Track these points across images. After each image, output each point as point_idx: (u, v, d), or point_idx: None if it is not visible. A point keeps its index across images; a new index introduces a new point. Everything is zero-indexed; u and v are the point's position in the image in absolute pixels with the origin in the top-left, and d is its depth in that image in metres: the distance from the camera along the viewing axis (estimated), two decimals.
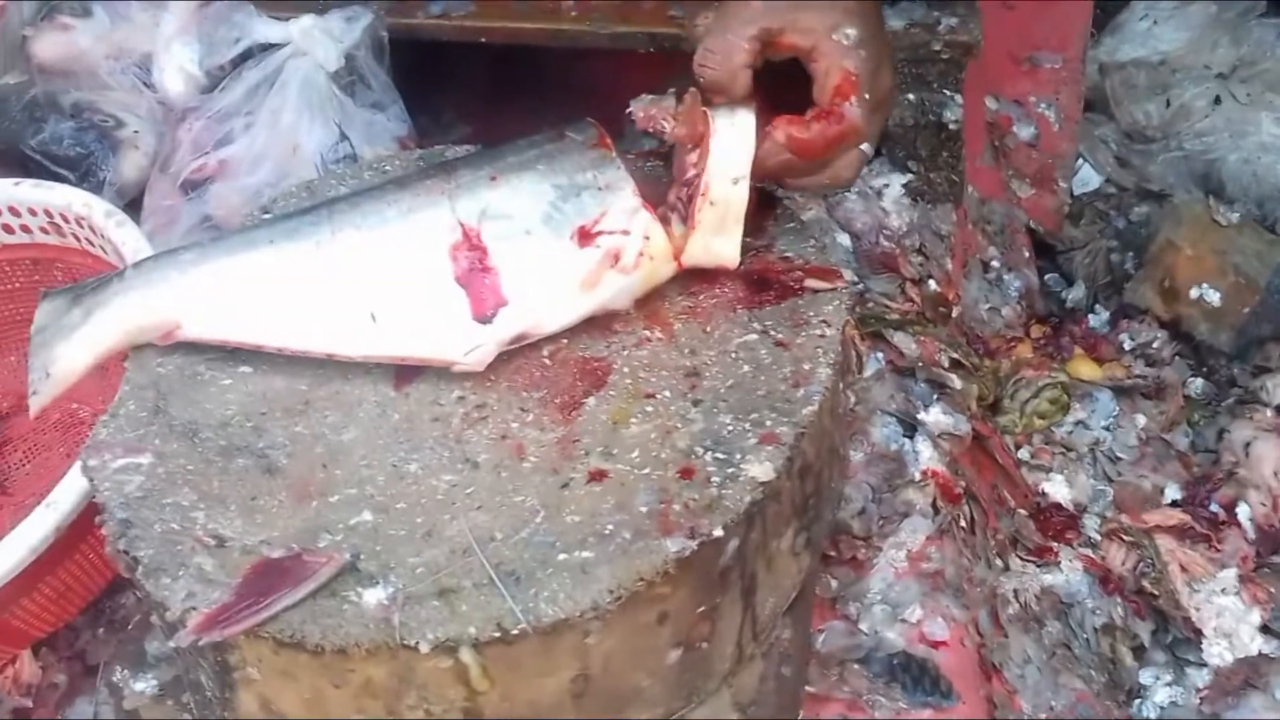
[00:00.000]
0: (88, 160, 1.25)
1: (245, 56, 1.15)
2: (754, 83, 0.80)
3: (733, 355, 0.78)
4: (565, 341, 0.80)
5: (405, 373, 0.79)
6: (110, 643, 0.95)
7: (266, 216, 0.91)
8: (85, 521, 0.86)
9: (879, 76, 0.79)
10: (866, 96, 0.78)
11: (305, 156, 1.09)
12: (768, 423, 0.73)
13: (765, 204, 0.90)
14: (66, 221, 1.05)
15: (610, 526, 0.68)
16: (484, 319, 0.77)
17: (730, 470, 0.70)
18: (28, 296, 1.13)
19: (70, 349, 0.79)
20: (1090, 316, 1.48)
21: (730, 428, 0.73)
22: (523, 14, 1.21)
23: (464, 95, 1.38)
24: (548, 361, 0.79)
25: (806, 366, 0.77)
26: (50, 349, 0.78)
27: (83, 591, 0.93)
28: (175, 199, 1.14)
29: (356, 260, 0.80)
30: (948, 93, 1.19)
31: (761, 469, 0.70)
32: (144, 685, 0.78)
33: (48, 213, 1.05)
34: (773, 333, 0.80)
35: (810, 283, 0.82)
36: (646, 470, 0.71)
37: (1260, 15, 1.81)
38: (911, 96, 1.19)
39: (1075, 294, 1.52)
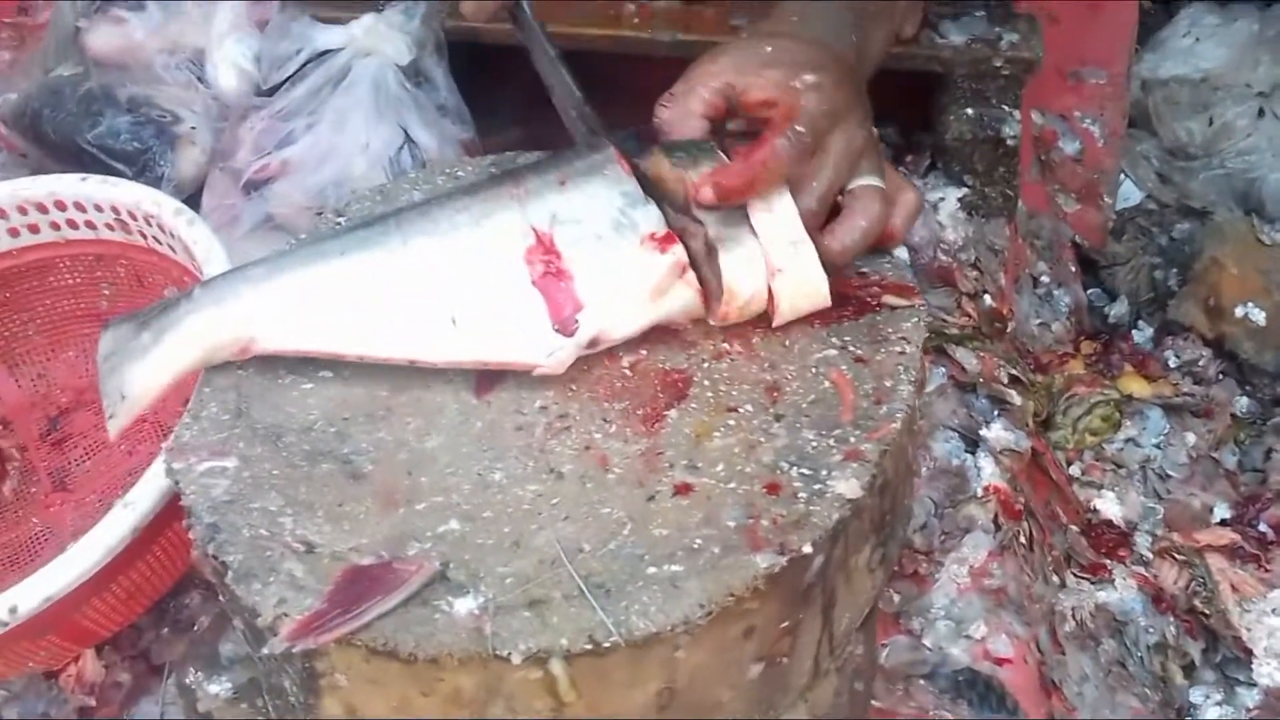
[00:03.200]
0: (145, 155, 1.24)
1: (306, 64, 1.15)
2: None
3: (813, 370, 0.78)
4: (645, 353, 0.80)
5: (486, 380, 0.79)
6: (174, 643, 0.95)
7: (340, 222, 0.91)
8: (159, 521, 0.86)
9: (831, 121, 0.80)
10: (800, 129, 0.78)
11: (371, 157, 1.09)
12: (851, 439, 0.73)
13: None
14: (134, 219, 1.04)
15: (699, 540, 0.68)
16: (562, 322, 0.77)
17: (817, 486, 0.70)
18: (89, 292, 1.13)
19: (145, 370, 0.78)
20: (1134, 332, 1.47)
21: (814, 443, 0.73)
22: (584, 19, 1.20)
23: (516, 96, 1.37)
24: (628, 373, 0.79)
25: (888, 383, 0.76)
26: (122, 373, 0.78)
27: (150, 591, 0.93)
28: (236, 198, 1.14)
29: (431, 267, 0.80)
30: (1006, 108, 1.18)
31: (848, 486, 0.70)
32: (218, 688, 0.78)
33: (114, 209, 1.05)
34: (852, 348, 0.79)
35: (888, 299, 0.81)
36: (732, 484, 0.71)
37: None
38: (970, 111, 1.18)
39: (1118, 309, 1.51)
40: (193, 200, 1.26)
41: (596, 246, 0.80)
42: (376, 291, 0.80)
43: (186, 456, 0.74)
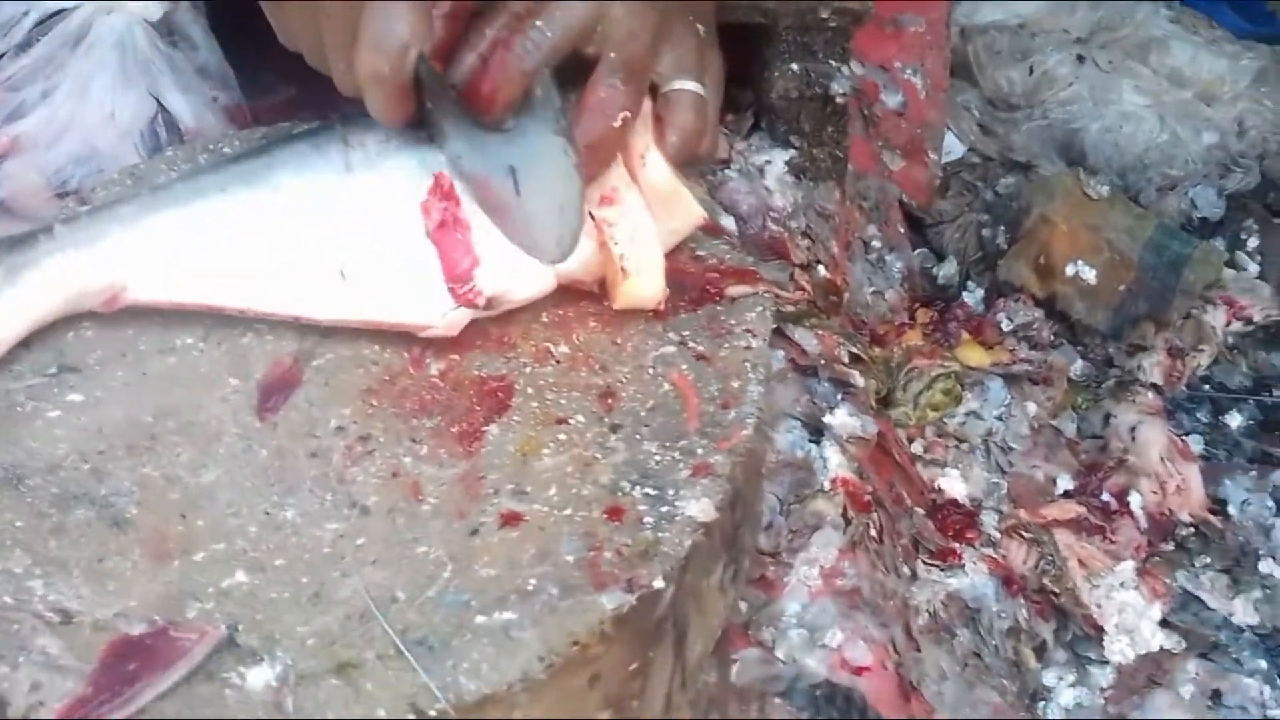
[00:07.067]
0: None
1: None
2: None
3: (650, 371, 0.73)
4: (456, 358, 0.74)
5: (269, 399, 0.71)
6: None
7: (83, 210, 0.81)
8: None
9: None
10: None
11: (119, 129, 0.99)
12: (699, 451, 0.68)
13: None
14: None
15: (533, 580, 0.62)
16: (457, 279, 0.71)
17: (664, 509, 0.65)
18: None
19: None
20: (965, 294, 1.47)
21: (657, 458, 0.68)
22: None
23: (287, 53, 1.28)
24: (439, 383, 0.73)
25: (735, 383, 0.72)
26: None
27: None
28: None
29: (321, 207, 0.74)
30: (834, 63, 1.15)
31: (700, 507, 0.65)
32: None
33: None
34: (691, 344, 0.75)
35: (732, 289, 0.77)
36: (568, 511, 0.65)
37: None
38: (795, 67, 1.14)
39: (947, 270, 1.51)
40: None
41: None
42: (260, 235, 0.73)
43: None
